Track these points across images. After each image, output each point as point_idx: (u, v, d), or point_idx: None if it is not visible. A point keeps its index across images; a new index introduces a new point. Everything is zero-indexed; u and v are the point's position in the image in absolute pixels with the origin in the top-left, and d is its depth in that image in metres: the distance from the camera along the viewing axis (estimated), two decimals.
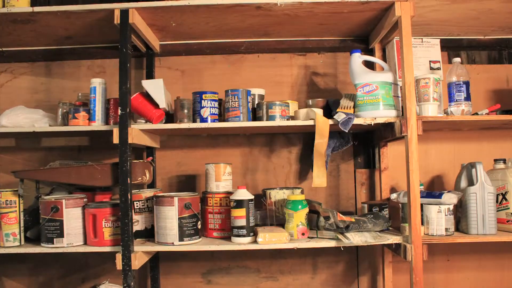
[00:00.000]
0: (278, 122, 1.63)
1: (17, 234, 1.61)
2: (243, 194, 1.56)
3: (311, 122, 1.60)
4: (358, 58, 1.68)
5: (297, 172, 2.00)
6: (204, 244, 1.56)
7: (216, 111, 1.65)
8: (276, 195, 1.75)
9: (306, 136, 2.00)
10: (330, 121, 1.59)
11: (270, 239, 1.52)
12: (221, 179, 1.68)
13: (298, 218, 1.57)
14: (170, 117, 1.76)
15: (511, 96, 2.02)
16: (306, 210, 1.59)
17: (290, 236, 1.56)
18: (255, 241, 1.54)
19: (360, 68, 1.67)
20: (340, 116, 1.57)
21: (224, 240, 1.61)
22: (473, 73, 2.01)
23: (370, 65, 1.78)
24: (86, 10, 1.57)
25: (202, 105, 1.63)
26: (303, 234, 1.57)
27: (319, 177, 1.67)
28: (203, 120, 1.62)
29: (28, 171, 1.65)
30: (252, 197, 1.57)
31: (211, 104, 1.63)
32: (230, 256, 1.98)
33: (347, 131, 1.58)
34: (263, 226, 1.69)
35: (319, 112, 1.64)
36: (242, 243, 1.54)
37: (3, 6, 1.62)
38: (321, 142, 1.61)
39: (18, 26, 1.72)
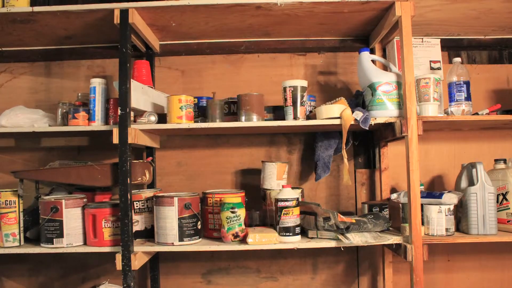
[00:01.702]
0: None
1: (16, 234, 1.61)
2: (289, 193, 1.56)
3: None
4: (368, 57, 1.68)
5: (297, 172, 2.00)
6: (204, 244, 1.56)
7: None
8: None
9: (307, 136, 2.00)
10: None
11: (260, 239, 1.52)
12: (282, 177, 1.72)
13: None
14: (163, 118, 1.75)
15: (511, 96, 2.01)
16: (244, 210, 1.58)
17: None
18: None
19: (373, 66, 1.67)
20: (358, 115, 1.57)
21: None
22: (474, 73, 2.01)
23: None
24: (86, 10, 1.57)
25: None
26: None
27: (346, 174, 1.67)
28: None
29: (27, 171, 1.65)
30: (298, 196, 1.57)
31: None
32: (230, 256, 1.98)
33: (367, 128, 1.58)
34: (254, 227, 1.69)
35: (340, 108, 1.61)
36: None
37: (3, 6, 1.62)
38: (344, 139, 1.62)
39: (17, 26, 1.72)
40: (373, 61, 1.72)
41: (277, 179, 1.74)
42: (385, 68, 1.79)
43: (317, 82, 2.02)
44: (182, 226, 1.53)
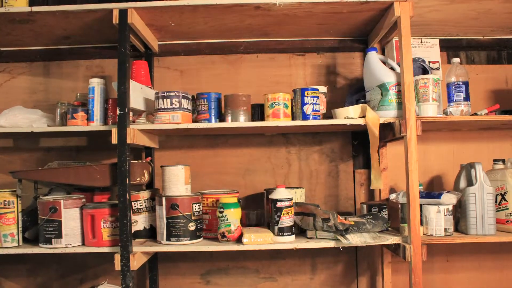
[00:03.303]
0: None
1: (15, 235, 1.60)
2: (282, 193, 1.56)
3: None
4: (376, 56, 1.68)
5: (296, 172, 1.99)
6: (203, 244, 1.56)
7: (318, 107, 1.64)
8: None
9: (305, 136, 2.00)
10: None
11: (255, 239, 1.52)
12: (189, 182, 1.64)
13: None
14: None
15: (510, 96, 2.02)
16: (239, 210, 1.58)
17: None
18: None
19: (384, 66, 1.66)
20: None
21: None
22: (472, 73, 2.01)
23: None
24: (85, 10, 1.56)
25: (305, 102, 1.63)
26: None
27: (376, 179, 1.69)
28: (306, 117, 1.62)
29: (26, 171, 1.64)
30: (291, 196, 1.57)
31: (313, 100, 1.63)
32: (229, 256, 1.97)
33: None
34: (250, 227, 1.69)
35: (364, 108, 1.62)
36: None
37: (1, 6, 1.62)
38: (374, 140, 1.61)
39: (16, 26, 1.71)
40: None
41: (185, 184, 1.62)
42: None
43: (316, 82, 2.02)
44: (169, 226, 1.54)
